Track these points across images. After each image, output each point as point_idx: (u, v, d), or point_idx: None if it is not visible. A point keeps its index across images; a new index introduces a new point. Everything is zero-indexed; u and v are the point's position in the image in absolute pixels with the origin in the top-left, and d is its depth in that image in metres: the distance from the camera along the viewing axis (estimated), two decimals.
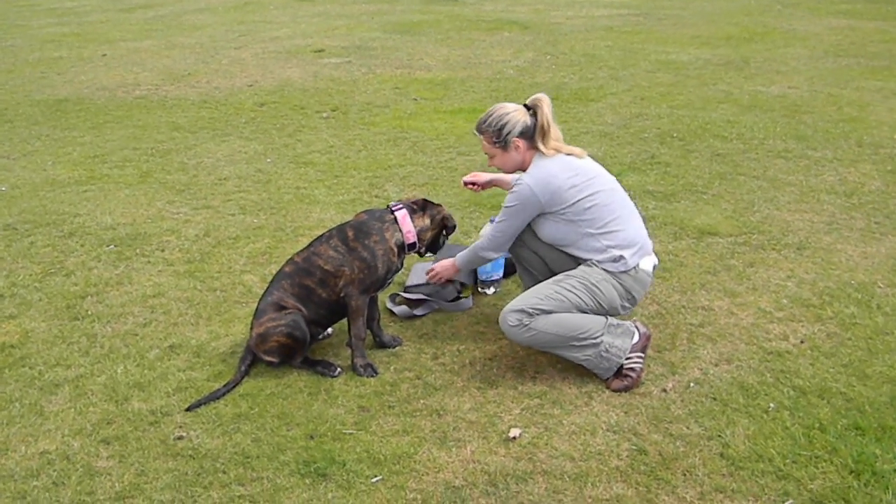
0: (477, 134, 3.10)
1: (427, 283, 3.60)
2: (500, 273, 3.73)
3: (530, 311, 2.84)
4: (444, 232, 3.28)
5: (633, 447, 2.61)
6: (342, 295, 3.05)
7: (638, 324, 3.03)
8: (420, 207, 3.20)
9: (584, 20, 12.22)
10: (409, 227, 3.11)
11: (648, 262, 3.03)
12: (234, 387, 2.96)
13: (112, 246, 4.28)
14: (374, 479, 2.48)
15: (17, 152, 6.11)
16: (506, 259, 3.75)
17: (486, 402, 2.88)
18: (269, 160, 5.75)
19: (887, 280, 3.72)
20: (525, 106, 3.03)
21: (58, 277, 3.93)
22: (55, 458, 2.61)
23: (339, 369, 3.06)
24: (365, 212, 3.20)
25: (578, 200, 2.93)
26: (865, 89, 7.47)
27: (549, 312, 2.85)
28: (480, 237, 3.65)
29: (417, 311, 3.52)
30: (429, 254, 4.04)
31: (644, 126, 6.35)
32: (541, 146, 3.00)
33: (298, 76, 8.62)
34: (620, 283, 2.95)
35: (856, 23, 11.48)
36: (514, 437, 2.67)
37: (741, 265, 3.90)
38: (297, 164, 5.63)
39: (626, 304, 3.01)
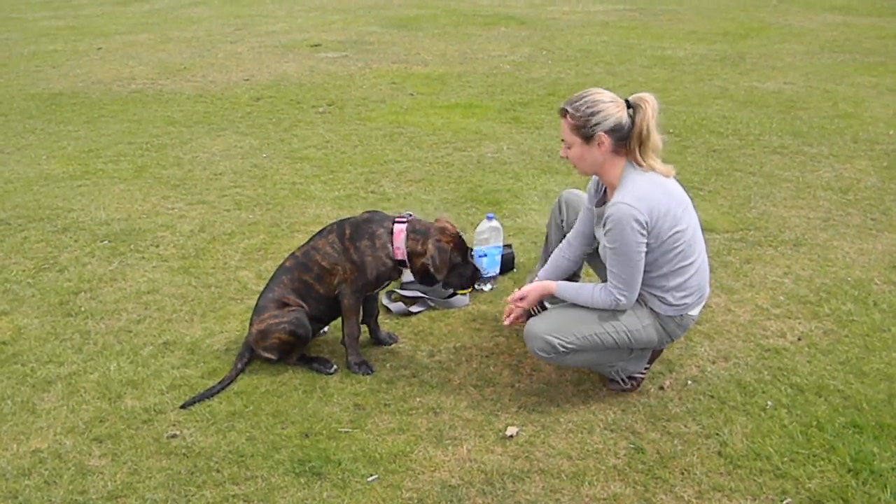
0: (563, 115, 2.65)
1: None
2: (497, 270, 3.71)
3: (561, 349, 2.66)
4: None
5: (631, 445, 2.60)
6: (337, 292, 3.03)
7: None
8: (423, 232, 2.94)
9: (581, 15, 12.19)
10: (399, 244, 2.92)
11: (698, 309, 2.79)
12: (228, 384, 2.94)
13: (106, 241, 4.25)
14: (369, 479, 2.47)
15: (10, 146, 6.06)
16: (503, 256, 3.73)
17: (482, 400, 2.86)
18: (264, 155, 5.71)
19: (884, 277, 3.72)
20: (626, 102, 2.61)
21: (51, 273, 3.90)
22: (47, 456, 2.59)
23: (334, 366, 3.04)
24: (370, 212, 3.09)
25: (671, 236, 2.58)
26: (861, 85, 7.47)
27: (580, 351, 2.71)
28: (476, 235, 3.65)
29: (413, 308, 3.49)
30: None
31: None
32: (637, 156, 2.60)
33: (294, 71, 8.58)
34: (663, 327, 2.73)
35: (851, 19, 11.48)
36: (511, 436, 2.65)
37: (738, 262, 3.89)
38: (293, 160, 5.60)
39: (663, 344, 2.83)
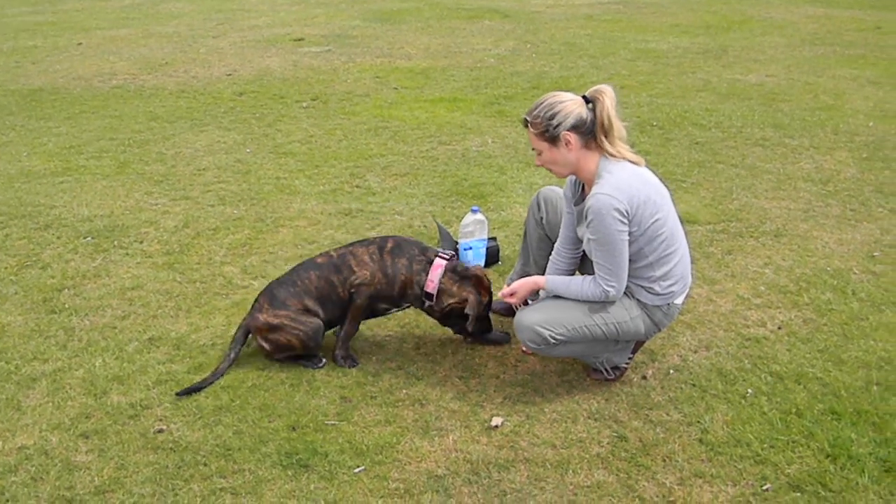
0: (525, 125, 2.70)
1: None
2: (482, 262, 3.73)
3: (552, 340, 2.69)
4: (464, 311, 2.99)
5: (614, 434, 2.64)
6: (352, 291, 3.01)
7: None
8: (461, 276, 2.98)
9: (564, 8, 12.22)
10: (434, 278, 2.95)
11: (682, 297, 2.82)
12: (222, 374, 2.96)
13: (89, 238, 4.24)
14: (356, 470, 2.49)
15: None
16: (487, 248, 3.76)
17: (468, 391, 2.89)
18: (248, 150, 5.70)
19: (862, 266, 3.77)
20: (584, 98, 2.65)
21: (34, 270, 3.88)
22: (33, 453, 2.59)
23: (322, 360, 3.05)
24: (414, 240, 3.11)
25: (652, 224, 2.61)
26: (841, 77, 7.54)
27: (569, 342, 2.74)
28: (461, 228, 3.67)
29: None
30: None
31: (624, 115, 6.22)
32: (607, 146, 2.63)
33: (278, 65, 8.56)
34: (651, 317, 2.76)
35: (832, 11, 11.58)
36: (496, 426, 2.68)
37: (720, 253, 3.94)
38: (277, 155, 5.59)
39: (649, 335, 2.86)
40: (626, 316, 2.74)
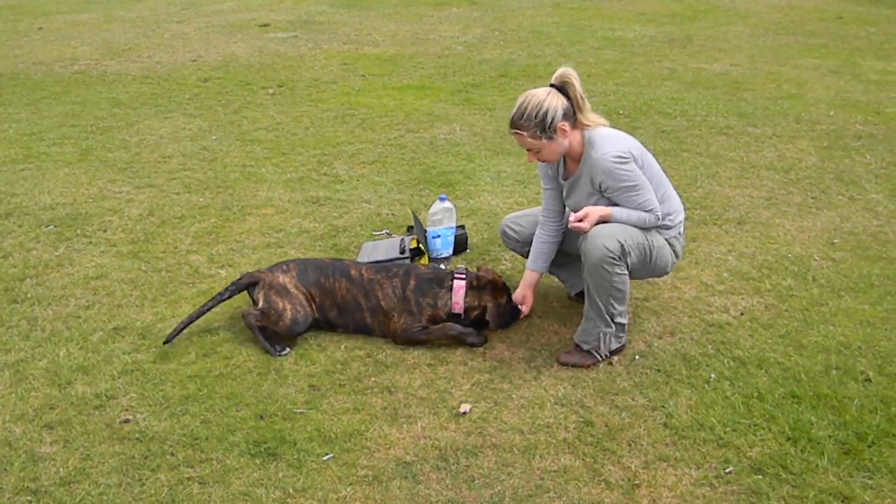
0: (514, 132, 2.86)
1: (378, 262, 3.59)
2: (450, 251, 3.74)
3: (626, 248, 2.81)
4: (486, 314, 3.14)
5: (581, 419, 2.67)
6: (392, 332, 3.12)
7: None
8: (479, 287, 3.13)
9: None
10: (459, 299, 3.09)
11: (682, 228, 3.10)
12: (206, 311, 3.10)
13: (51, 226, 4.17)
14: (325, 458, 2.49)
15: None
16: (456, 236, 3.77)
17: (436, 378, 2.90)
18: (214, 137, 5.64)
19: (822, 253, 3.85)
20: (553, 86, 2.85)
21: None
22: None
23: (287, 349, 3.05)
24: (432, 269, 3.22)
25: (650, 164, 2.96)
26: (804, 67, 7.66)
27: (632, 256, 2.84)
28: (429, 216, 3.67)
29: None
30: (377, 232, 4.05)
31: (591, 103, 6.37)
32: (584, 120, 2.89)
33: (243, 51, 8.45)
34: (672, 248, 3.01)
35: (795, 1, 11.73)
36: (465, 413, 2.70)
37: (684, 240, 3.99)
38: (243, 142, 5.53)
39: (670, 267, 3.07)
40: (662, 240, 2.97)
